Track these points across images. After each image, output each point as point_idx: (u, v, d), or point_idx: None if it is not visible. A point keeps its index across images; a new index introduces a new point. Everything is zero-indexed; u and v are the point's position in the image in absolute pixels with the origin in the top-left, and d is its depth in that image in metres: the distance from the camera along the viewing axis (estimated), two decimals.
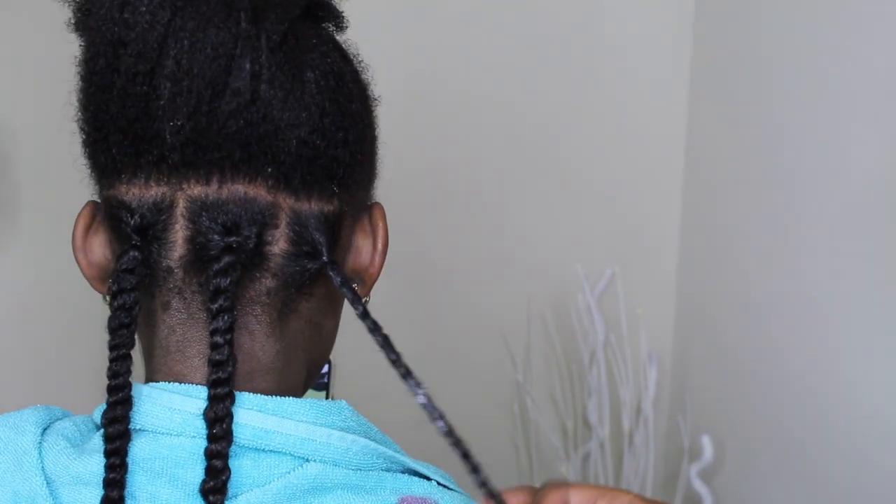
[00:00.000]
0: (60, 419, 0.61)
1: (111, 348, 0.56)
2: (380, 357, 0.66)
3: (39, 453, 0.57)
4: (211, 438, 0.55)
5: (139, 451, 0.56)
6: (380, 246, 0.62)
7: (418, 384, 0.54)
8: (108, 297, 0.60)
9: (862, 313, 1.17)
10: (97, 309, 1.31)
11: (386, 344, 0.55)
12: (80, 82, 0.59)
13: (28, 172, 1.26)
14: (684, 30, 1.49)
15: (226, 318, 0.55)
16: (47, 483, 0.56)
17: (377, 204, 0.64)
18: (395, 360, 0.55)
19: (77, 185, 1.36)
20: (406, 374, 0.54)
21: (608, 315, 1.48)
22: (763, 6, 1.35)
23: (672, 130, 1.52)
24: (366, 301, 0.62)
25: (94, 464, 0.57)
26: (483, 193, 1.52)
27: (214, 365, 0.55)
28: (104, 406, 0.59)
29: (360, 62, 0.62)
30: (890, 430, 1.13)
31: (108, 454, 0.55)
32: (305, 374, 0.62)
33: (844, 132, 1.19)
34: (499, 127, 1.50)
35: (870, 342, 1.16)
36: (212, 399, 0.55)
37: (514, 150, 1.52)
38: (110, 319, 0.57)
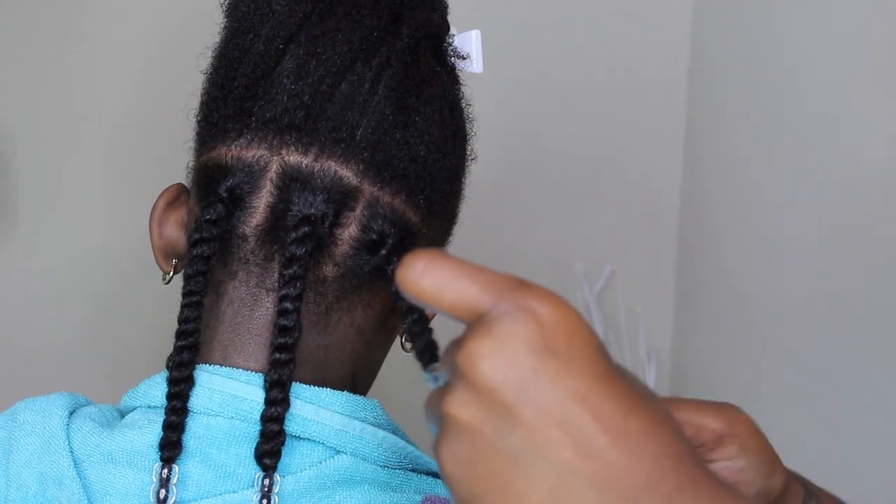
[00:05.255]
0: (85, 405, 0.62)
1: (185, 294, 0.57)
2: (396, 358, 0.66)
3: (67, 435, 0.58)
4: (269, 402, 0.56)
5: None
6: None
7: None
8: (167, 271, 0.63)
9: (864, 312, 1.18)
10: (96, 309, 1.31)
11: (425, 348, 0.51)
12: (218, 45, 0.62)
13: (26, 173, 1.25)
14: (683, 28, 1.50)
15: (297, 285, 0.56)
16: (75, 463, 0.57)
17: None
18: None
19: (75, 186, 1.35)
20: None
21: (607, 313, 1.48)
22: (763, 6, 1.35)
23: (671, 127, 1.52)
24: (411, 347, 0.61)
25: (127, 441, 0.57)
26: (480, 192, 1.51)
27: (281, 330, 0.56)
28: (131, 392, 0.60)
29: (470, 112, 0.64)
30: (892, 432, 1.14)
31: (170, 397, 0.56)
32: (350, 387, 0.61)
33: (844, 131, 1.19)
34: (495, 125, 1.50)
35: (871, 341, 1.16)
36: (273, 363, 0.56)
37: (512, 148, 1.51)
38: (187, 266, 0.58)
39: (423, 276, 0.41)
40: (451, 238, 0.66)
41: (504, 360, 0.38)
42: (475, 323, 0.40)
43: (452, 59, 0.64)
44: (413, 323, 0.53)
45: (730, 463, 0.55)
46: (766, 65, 1.33)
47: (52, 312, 1.28)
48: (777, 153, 1.32)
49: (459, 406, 0.39)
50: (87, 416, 0.59)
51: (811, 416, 1.27)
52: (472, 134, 0.65)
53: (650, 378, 1.46)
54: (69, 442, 0.58)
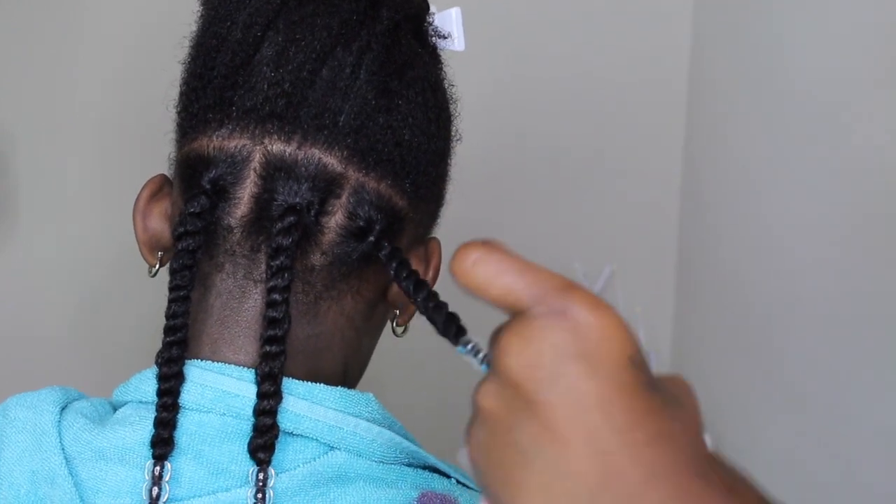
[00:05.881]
0: (77, 399, 0.61)
1: (171, 289, 0.57)
2: (395, 351, 0.65)
3: (58, 432, 0.57)
4: (260, 395, 0.55)
5: None
6: (430, 275, 0.62)
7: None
8: (153, 263, 0.62)
9: (864, 312, 1.17)
10: (95, 308, 1.31)
11: (448, 322, 0.45)
12: (195, 34, 0.61)
13: (26, 173, 1.25)
14: (683, 28, 1.49)
15: (285, 276, 0.55)
16: (66, 461, 0.56)
17: (436, 238, 0.64)
18: (474, 348, 0.43)
19: (74, 187, 1.35)
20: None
21: None
22: (763, 6, 1.35)
23: (671, 127, 1.52)
24: (403, 331, 0.62)
25: (118, 438, 0.57)
26: (480, 192, 1.51)
27: (270, 322, 0.56)
28: (122, 386, 0.60)
29: (453, 93, 0.64)
30: (893, 436, 1.13)
31: (160, 394, 0.55)
32: (342, 376, 0.61)
33: (844, 131, 1.19)
34: (494, 125, 1.50)
35: (871, 341, 1.16)
36: (263, 356, 0.55)
37: (511, 148, 1.51)
38: (173, 260, 0.57)
39: (475, 268, 0.41)
40: (438, 221, 0.65)
41: (530, 359, 0.39)
42: (514, 318, 0.40)
43: (433, 39, 0.63)
44: (425, 300, 0.48)
45: None
46: (766, 65, 1.33)
47: (52, 311, 1.28)
48: (777, 153, 1.32)
49: (485, 395, 0.40)
50: (79, 411, 0.59)
51: (811, 416, 1.27)
52: (457, 115, 0.64)
53: None
54: (60, 439, 0.57)
